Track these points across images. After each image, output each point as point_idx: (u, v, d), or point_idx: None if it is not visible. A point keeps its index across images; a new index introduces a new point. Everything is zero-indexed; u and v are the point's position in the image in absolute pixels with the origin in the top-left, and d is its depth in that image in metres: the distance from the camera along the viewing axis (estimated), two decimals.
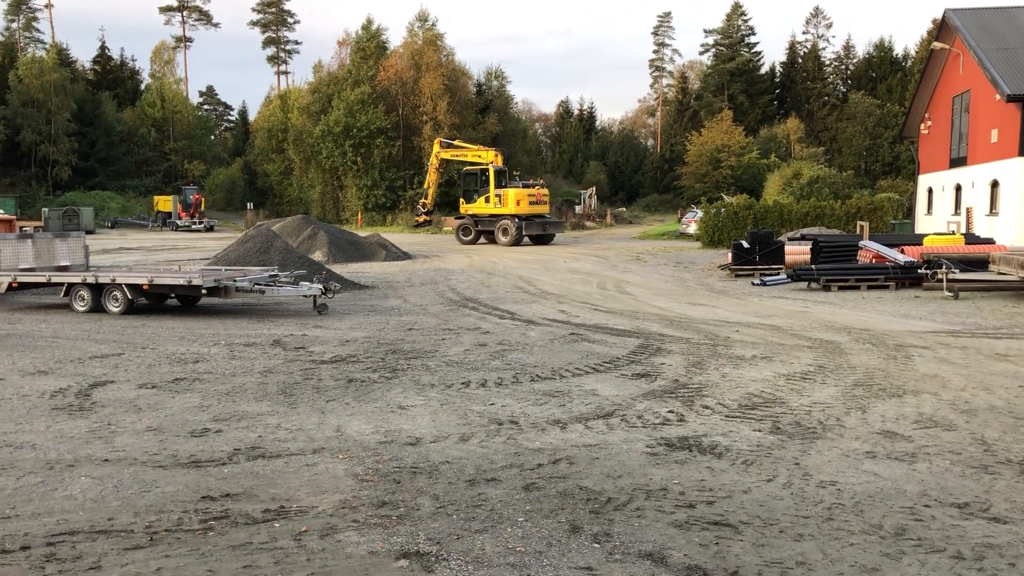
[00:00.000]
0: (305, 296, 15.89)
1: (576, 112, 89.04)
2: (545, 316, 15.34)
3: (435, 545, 5.00)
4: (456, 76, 62.32)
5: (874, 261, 20.68)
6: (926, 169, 34.38)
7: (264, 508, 5.61)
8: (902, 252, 20.45)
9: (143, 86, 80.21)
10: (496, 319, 15.01)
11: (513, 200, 37.11)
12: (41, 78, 64.03)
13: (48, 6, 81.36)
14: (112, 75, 78.23)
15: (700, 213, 38.53)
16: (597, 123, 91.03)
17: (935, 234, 24.14)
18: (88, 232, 41.41)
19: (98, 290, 15.50)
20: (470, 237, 38.61)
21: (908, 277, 19.71)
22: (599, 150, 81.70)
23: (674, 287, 20.87)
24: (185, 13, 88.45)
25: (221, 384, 9.47)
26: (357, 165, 59.34)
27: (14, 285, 16.10)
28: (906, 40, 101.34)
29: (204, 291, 15.08)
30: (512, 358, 11.08)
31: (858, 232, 27.42)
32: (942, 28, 31.73)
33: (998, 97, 25.56)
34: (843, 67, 79.94)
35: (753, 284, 21.15)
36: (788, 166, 55.04)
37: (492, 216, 37.79)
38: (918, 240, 22.33)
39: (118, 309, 15.31)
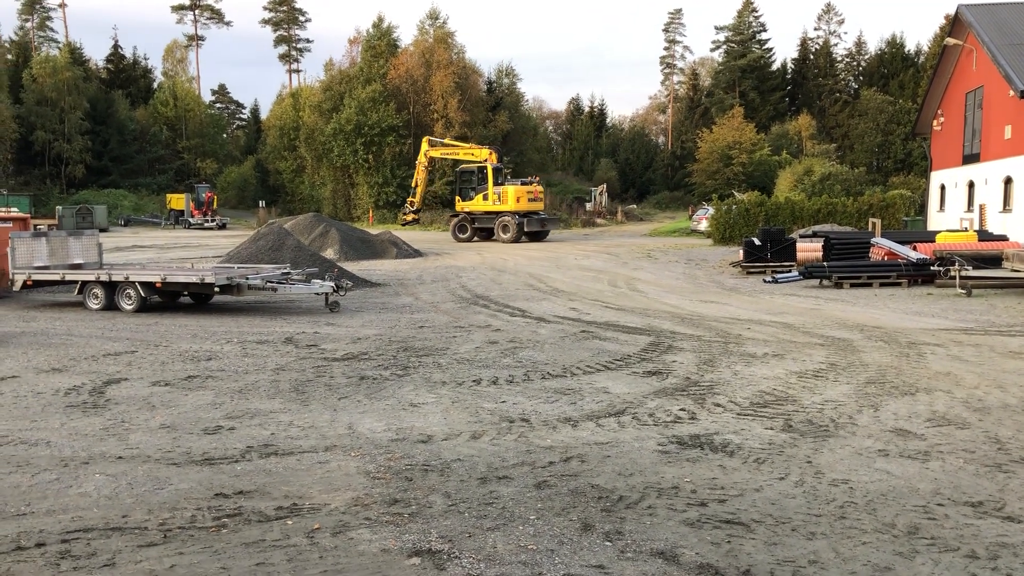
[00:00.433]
0: (317, 294, 15.94)
1: (587, 109, 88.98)
2: (556, 313, 15.34)
3: (447, 543, 5.01)
4: (467, 74, 62.32)
5: (886, 258, 20.58)
6: (939, 166, 34.15)
7: (277, 505, 5.63)
8: (914, 249, 20.37)
9: (155, 84, 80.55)
10: (507, 316, 15.02)
11: (513, 197, 37.31)
12: (55, 77, 64.42)
13: (62, 5, 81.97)
14: (125, 74, 78.68)
15: (711, 210, 38.41)
16: (608, 120, 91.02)
17: (948, 231, 24.01)
18: (101, 230, 41.72)
19: (111, 288, 15.60)
20: (466, 234, 38.79)
21: (920, 274, 19.62)
22: (610, 147, 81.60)
23: (685, 284, 20.82)
24: (197, 12, 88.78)
25: (234, 382, 9.51)
26: (368, 163, 59.45)
27: (28, 283, 16.23)
28: (918, 36, 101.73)
29: (217, 289, 15.18)
30: (523, 356, 11.09)
31: (870, 229, 27.25)
32: (955, 24, 31.51)
33: (1012, 93, 25.35)
34: (855, 63, 79.48)
35: (765, 281, 21.08)
36: (800, 163, 54.78)
37: (489, 213, 37.96)
38: (931, 237, 22.22)
39: (131, 307, 15.40)
